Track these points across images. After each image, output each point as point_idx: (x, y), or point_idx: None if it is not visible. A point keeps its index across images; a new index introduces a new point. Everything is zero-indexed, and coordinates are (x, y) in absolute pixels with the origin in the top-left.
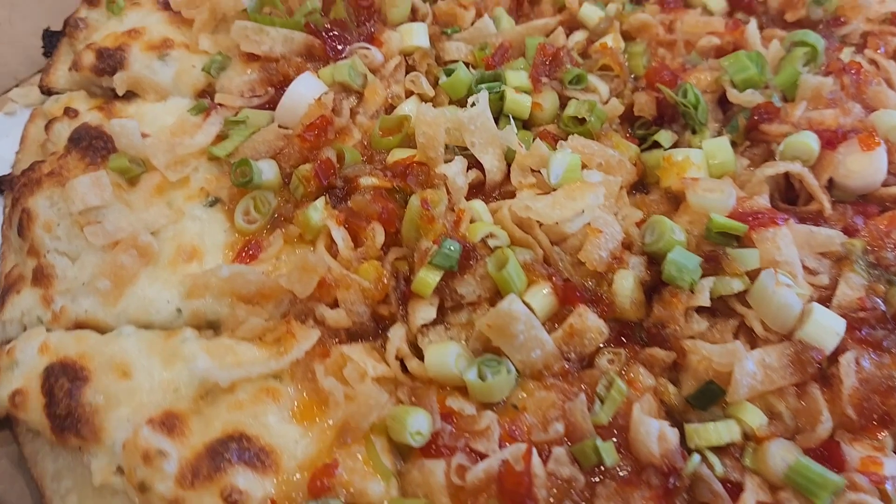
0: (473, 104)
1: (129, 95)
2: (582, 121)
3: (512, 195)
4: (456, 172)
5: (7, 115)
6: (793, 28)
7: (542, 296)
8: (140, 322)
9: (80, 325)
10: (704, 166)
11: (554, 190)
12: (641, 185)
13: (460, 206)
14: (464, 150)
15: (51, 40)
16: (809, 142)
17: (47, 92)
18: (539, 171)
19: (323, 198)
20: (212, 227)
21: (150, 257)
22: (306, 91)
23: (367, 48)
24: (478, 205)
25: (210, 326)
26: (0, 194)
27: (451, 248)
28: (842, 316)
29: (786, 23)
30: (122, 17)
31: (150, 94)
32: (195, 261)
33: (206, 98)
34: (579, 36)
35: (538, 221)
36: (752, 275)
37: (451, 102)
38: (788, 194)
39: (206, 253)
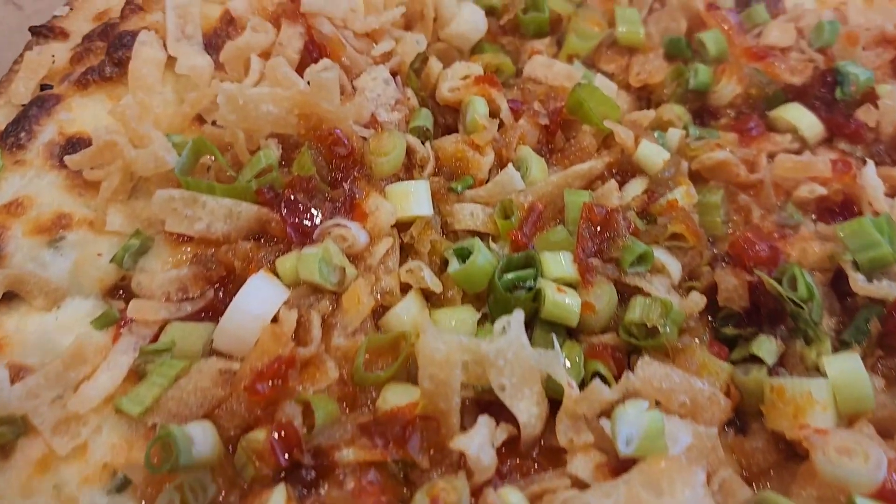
0: (503, 329)
1: (10, 297)
2: (651, 328)
3: (555, 455)
4: (481, 445)
5: None
6: None
7: None
8: None
9: None
10: (831, 405)
11: (623, 458)
12: (736, 414)
13: (488, 498)
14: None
15: None
16: None
17: None
18: (597, 419)
19: (282, 489)
20: None
21: None
22: (257, 306)
23: (346, 226)
24: (513, 498)
25: None
26: None
27: None
28: None
29: None
30: (0, 182)
31: (37, 298)
32: None
33: (118, 298)
34: (637, 187)
35: None
36: None
37: (465, 299)
38: None
39: None
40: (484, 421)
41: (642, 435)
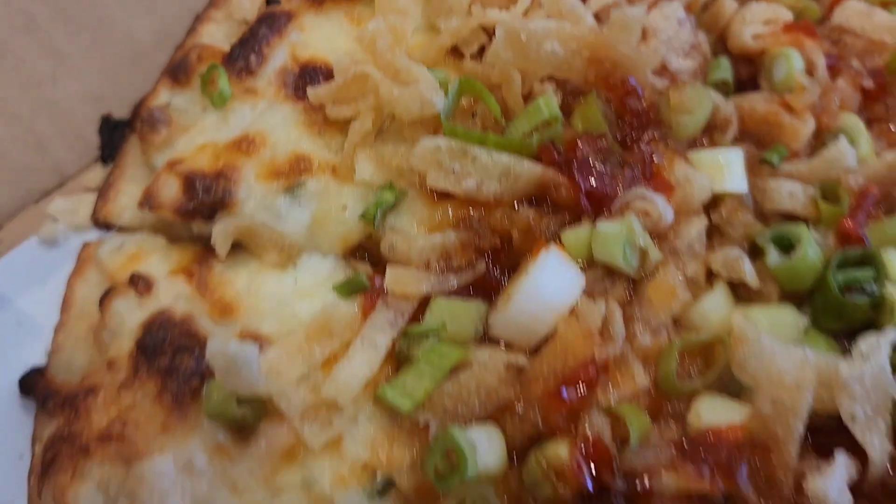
0: (865, 355)
1: (236, 249)
2: None
3: None
4: (840, 488)
5: (44, 243)
6: None
7: None
8: None
9: None
10: None
11: None
12: None
13: None
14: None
15: (112, 135)
16: None
17: (104, 226)
18: None
19: None
20: None
21: None
22: (553, 293)
23: (651, 199)
24: None
25: None
26: (29, 395)
27: None
28: None
29: None
30: (227, 113)
31: (270, 253)
32: None
33: (362, 260)
34: None
35: None
36: None
37: (783, 297)
38: None
39: None
40: (843, 460)
41: None
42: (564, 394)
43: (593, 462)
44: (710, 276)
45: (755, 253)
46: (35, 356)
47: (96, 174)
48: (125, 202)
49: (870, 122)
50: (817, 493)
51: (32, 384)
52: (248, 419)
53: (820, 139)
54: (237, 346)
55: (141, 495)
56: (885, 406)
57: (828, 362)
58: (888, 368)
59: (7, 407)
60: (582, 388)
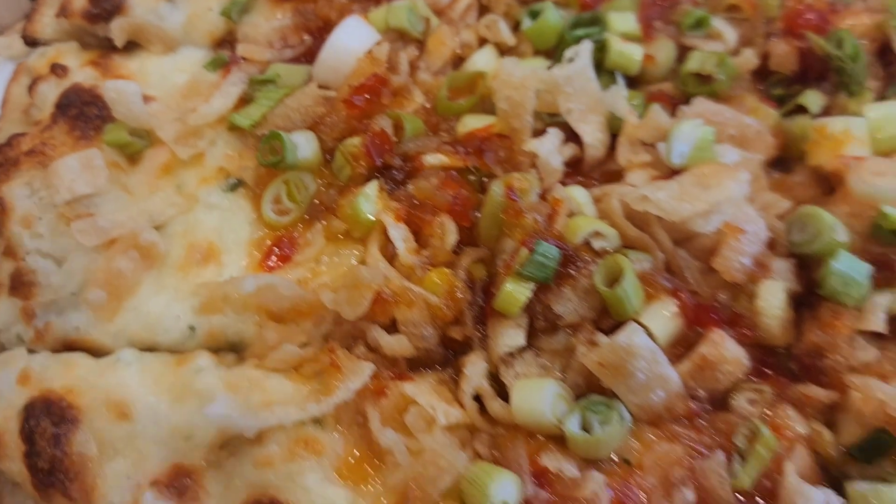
0: (571, 59)
1: (131, 47)
2: (706, 78)
3: (617, 176)
4: (550, 150)
5: None
6: None
7: (666, 318)
8: (143, 343)
9: (69, 346)
10: (868, 141)
11: (676, 172)
12: (780, 160)
13: (555, 194)
14: (553, 117)
15: None
16: None
17: (32, 43)
18: (654, 146)
19: (376, 182)
20: (232, 219)
21: (154, 259)
22: (353, 41)
23: None
24: (578, 193)
25: (231, 348)
26: None
27: (548, 254)
28: None
29: None
30: None
31: (155, 45)
32: (212, 263)
33: (225, 49)
34: None
35: (658, 216)
36: None
37: (536, 53)
38: None
39: (226, 252)
40: (554, 131)
41: (694, 146)
42: (356, 100)
43: (378, 147)
44: (482, 44)
45: (517, 28)
46: None
47: None
48: (46, 21)
49: None
50: (532, 149)
51: None
52: (136, 147)
53: None
54: (125, 83)
55: (55, 184)
56: (596, 105)
57: (548, 72)
58: (591, 71)
59: None
60: (369, 97)
